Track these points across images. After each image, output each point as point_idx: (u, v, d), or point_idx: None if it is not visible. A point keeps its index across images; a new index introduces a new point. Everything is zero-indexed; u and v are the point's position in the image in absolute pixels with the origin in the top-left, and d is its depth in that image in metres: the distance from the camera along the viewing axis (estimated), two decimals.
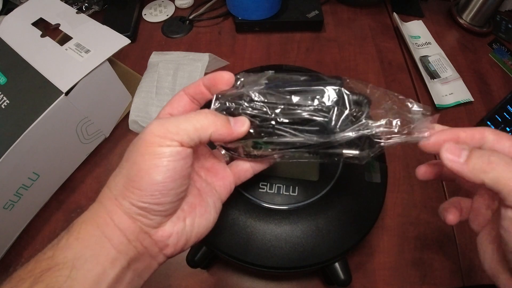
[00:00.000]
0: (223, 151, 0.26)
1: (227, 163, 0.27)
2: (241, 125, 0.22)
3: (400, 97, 0.22)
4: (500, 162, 0.18)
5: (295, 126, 0.22)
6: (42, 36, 0.42)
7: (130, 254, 0.20)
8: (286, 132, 0.22)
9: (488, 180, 0.18)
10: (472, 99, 0.54)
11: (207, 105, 0.24)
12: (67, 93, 0.38)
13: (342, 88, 0.22)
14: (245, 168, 0.26)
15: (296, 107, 0.22)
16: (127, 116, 0.49)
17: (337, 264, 0.32)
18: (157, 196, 0.20)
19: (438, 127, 0.22)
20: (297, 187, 0.33)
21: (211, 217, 0.24)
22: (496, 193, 0.19)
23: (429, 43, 0.61)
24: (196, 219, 0.23)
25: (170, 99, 0.24)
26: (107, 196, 0.21)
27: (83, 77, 0.39)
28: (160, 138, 0.20)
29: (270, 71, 0.24)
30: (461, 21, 0.63)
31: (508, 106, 0.52)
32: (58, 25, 0.43)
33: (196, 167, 0.25)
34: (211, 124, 0.21)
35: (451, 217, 0.25)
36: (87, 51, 0.41)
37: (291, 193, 0.33)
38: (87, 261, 0.19)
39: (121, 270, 0.20)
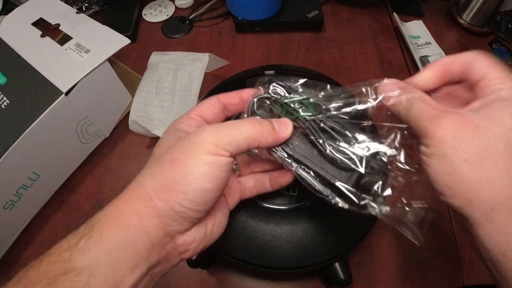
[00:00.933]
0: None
1: (238, 175, 0.28)
2: (285, 129, 0.22)
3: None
4: (417, 103, 0.21)
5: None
6: (42, 36, 0.42)
7: (151, 260, 0.20)
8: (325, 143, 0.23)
9: (406, 118, 0.21)
10: None
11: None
12: (67, 93, 0.38)
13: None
14: (250, 187, 0.27)
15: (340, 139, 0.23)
16: (127, 116, 0.49)
17: (337, 264, 0.32)
18: (200, 203, 0.20)
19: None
20: (297, 187, 0.33)
21: (224, 225, 0.24)
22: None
23: (429, 43, 0.61)
24: (214, 226, 0.23)
25: (202, 102, 0.24)
26: (140, 195, 0.20)
27: (83, 77, 0.39)
28: (214, 146, 0.20)
29: (302, 79, 0.24)
30: (461, 21, 0.63)
31: None
32: (58, 25, 0.43)
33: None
34: (259, 134, 0.21)
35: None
36: (87, 51, 0.41)
37: (291, 193, 0.33)
38: (106, 267, 0.18)
39: (140, 276, 0.19)
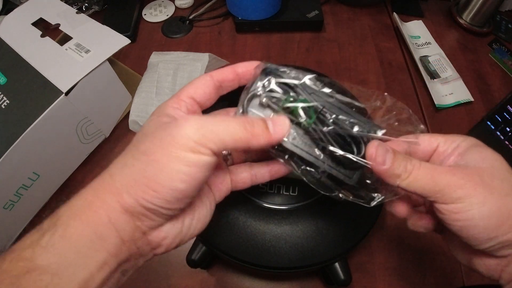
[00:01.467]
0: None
1: (230, 163, 0.26)
2: (281, 130, 0.20)
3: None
4: (416, 166, 0.21)
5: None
6: (42, 36, 0.42)
7: (121, 256, 0.18)
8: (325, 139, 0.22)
9: (404, 185, 0.21)
10: (472, 99, 0.54)
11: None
12: (67, 93, 0.38)
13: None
14: (244, 178, 0.25)
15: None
16: (127, 116, 0.49)
17: (337, 264, 0.32)
18: (172, 202, 0.18)
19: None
20: (297, 187, 0.33)
21: (207, 219, 0.23)
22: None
23: (429, 43, 0.61)
24: (193, 221, 0.22)
25: (194, 81, 0.22)
26: (109, 188, 0.18)
27: (83, 77, 0.39)
28: (195, 143, 0.18)
29: (310, 74, 0.23)
30: (461, 21, 0.63)
31: (508, 106, 0.52)
32: (58, 25, 0.43)
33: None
34: (249, 135, 0.19)
35: (400, 209, 0.25)
36: (87, 51, 0.41)
37: (291, 193, 0.33)
38: (71, 266, 0.17)
39: (109, 273, 0.18)
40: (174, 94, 0.22)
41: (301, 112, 0.21)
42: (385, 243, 0.41)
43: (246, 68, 0.23)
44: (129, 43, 0.43)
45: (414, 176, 0.20)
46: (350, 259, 0.37)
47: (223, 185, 0.24)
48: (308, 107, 0.21)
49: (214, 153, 0.18)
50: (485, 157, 0.21)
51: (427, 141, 0.24)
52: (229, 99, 0.35)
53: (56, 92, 0.37)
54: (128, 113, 0.48)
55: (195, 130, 0.18)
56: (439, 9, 0.67)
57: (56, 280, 0.16)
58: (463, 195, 0.19)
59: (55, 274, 0.16)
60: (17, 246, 0.17)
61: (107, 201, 0.18)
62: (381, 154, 0.21)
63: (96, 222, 0.18)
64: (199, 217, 0.22)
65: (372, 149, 0.21)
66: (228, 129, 0.19)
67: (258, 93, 0.22)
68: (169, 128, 0.18)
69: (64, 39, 0.42)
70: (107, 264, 0.18)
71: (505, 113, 0.51)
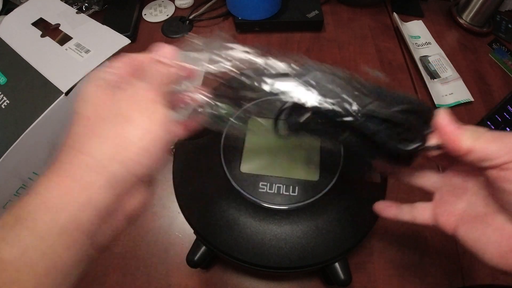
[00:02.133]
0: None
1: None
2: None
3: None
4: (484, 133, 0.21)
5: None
6: (42, 36, 0.42)
7: (94, 231, 0.18)
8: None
9: (479, 146, 0.20)
10: (472, 99, 0.54)
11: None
12: (67, 93, 0.38)
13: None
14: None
15: None
16: None
17: (337, 264, 0.32)
18: (154, 153, 0.19)
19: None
20: (297, 187, 0.33)
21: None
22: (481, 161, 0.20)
23: (429, 43, 0.61)
24: None
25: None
26: (89, 167, 0.18)
27: (83, 77, 0.39)
28: (154, 95, 0.20)
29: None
30: (461, 21, 0.63)
31: (508, 106, 0.52)
32: (58, 25, 0.43)
33: None
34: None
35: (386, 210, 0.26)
36: (87, 51, 0.41)
37: (291, 193, 0.33)
38: (36, 252, 0.16)
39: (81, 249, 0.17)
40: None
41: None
42: (385, 243, 0.41)
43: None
44: (129, 43, 0.43)
45: (484, 139, 0.20)
46: (350, 259, 0.37)
47: None
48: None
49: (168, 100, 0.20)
50: None
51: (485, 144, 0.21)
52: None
53: (56, 92, 0.37)
54: None
55: (149, 87, 0.20)
56: (439, 9, 0.67)
57: (22, 275, 0.15)
58: None
59: (19, 269, 0.15)
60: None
61: (88, 181, 0.17)
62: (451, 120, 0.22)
63: (70, 207, 0.17)
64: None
65: (443, 114, 0.22)
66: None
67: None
68: (131, 91, 0.20)
69: (64, 39, 0.42)
70: (78, 241, 0.17)
71: (505, 113, 0.51)
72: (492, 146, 0.20)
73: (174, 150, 0.41)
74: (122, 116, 0.19)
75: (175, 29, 0.63)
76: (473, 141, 0.21)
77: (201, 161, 0.37)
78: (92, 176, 0.17)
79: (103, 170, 0.18)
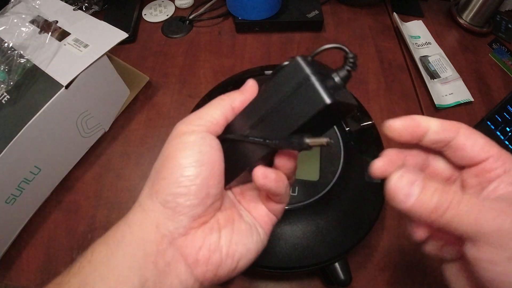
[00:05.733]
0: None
1: None
2: (251, 86, 0.20)
3: None
4: (457, 199, 0.16)
5: None
6: (40, 32, 0.42)
7: (145, 272, 0.17)
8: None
9: (444, 222, 0.16)
10: (472, 99, 0.54)
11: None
12: (67, 87, 0.38)
13: None
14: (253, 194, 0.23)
15: None
16: (126, 110, 0.50)
17: (337, 264, 0.32)
18: (184, 183, 0.18)
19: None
20: (297, 187, 0.33)
21: (254, 238, 0.20)
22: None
23: (429, 43, 0.61)
24: (234, 235, 0.19)
25: (214, 104, 0.21)
26: (134, 210, 0.20)
27: (83, 71, 0.39)
28: (186, 125, 0.19)
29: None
30: (461, 21, 0.63)
31: (508, 106, 0.52)
32: (56, 21, 0.44)
33: (236, 193, 0.23)
34: (228, 100, 0.20)
35: (420, 233, 0.21)
36: (86, 46, 0.41)
37: (291, 193, 0.33)
38: (94, 285, 0.17)
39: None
40: (193, 114, 0.21)
41: None
42: (385, 243, 0.41)
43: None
44: (129, 43, 0.43)
45: (450, 215, 0.16)
46: (350, 259, 0.37)
47: (263, 215, 0.22)
48: None
49: (205, 127, 0.19)
50: None
51: (478, 146, 0.18)
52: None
53: (56, 86, 0.38)
54: (127, 108, 0.49)
55: (183, 120, 0.20)
56: (439, 9, 0.67)
57: None
58: (508, 245, 0.15)
59: None
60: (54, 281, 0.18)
61: (130, 218, 0.19)
62: (404, 187, 0.17)
63: (117, 239, 0.18)
64: (240, 233, 0.20)
65: (392, 184, 0.17)
66: (210, 105, 0.20)
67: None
68: (172, 134, 0.20)
69: (62, 35, 0.43)
70: (128, 278, 0.17)
71: (505, 113, 0.51)
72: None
73: None
74: (158, 161, 0.20)
75: (175, 29, 0.63)
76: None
77: None
78: (134, 216, 0.20)
79: (139, 208, 0.20)
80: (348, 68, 0.18)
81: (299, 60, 0.17)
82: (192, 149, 0.18)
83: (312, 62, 0.17)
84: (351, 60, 0.18)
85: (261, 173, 0.18)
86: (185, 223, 0.18)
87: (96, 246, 0.18)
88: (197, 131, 0.19)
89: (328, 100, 0.16)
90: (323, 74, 0.17)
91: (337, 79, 0.18)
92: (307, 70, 0.17)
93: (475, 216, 0.16)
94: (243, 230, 0.20)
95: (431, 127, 0.19)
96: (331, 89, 0.16)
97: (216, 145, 0.19)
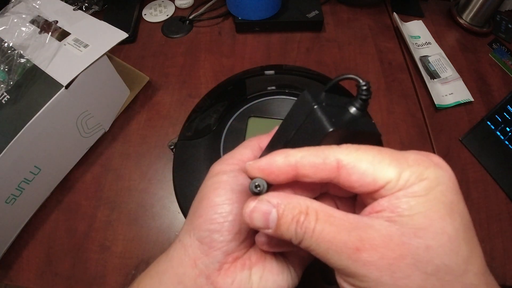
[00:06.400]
0: None
1: None
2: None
3: None
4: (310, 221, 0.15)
5: None
6: (40, 32, 0.42)
7: None
8: None
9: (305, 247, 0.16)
10: (472, 99, 0.54)
11: None
12: (67, 87, 0.38)
13: None
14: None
15: None
16: (126, 110, 0.50)
17: None
18: (217, 220, 0.19)
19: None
20: None
21: (285, 277, 0.21)
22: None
23: (429, 43, 0.61)
24: (265, 273, 0.20)
25: (246, 145, 0.23)
26: (174, 244, 0.21)
27: (83, 71, 0.39)
28: (219, 165, 0.21)
29: None
30: (461, 21, 0.63)
31: (508, 106, 0.52)
32: (56, 21, 0.44)
33: None
34: (256, 140, 0.22)
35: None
36: (86, 46, 0.41)
37: None
38: None
39: None
40: (226, 155, 0.23)
41: None
42: None
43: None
44: (129, 43, 0.43)
45: (309, 241, 0.15)
46: None
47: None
48: None
49: (237, 165, 0.21)
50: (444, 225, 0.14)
51: (368, 178, 0.15)
52: (229, 99, 0.35)
53: (56, 86, 0.38)
54: (127, 108, 0.49)
55: (217, 161, 0.22)
56: (439, 9, 0.67)
57: None
58: (371, 277, 0.14)
59: None
60: None
61: (170, 253, 0.20)
62: (260, 219, 0.16)
63: (159, 273, 0.20)
64: (271, 271, 0.20)
65: (247, 209, 0.17)
66: (242, 146, 0.22)
67: None
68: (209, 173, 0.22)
69: (62, 35, 0.43)
70: None
71: (505, 113, 0.51)
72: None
73: (174, 149, 0.41)
74: (195, 200, 0.22)
75: (175, 29, 0.63)
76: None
77: (201, 161, 0.37)
78: (174, 252, 0.21)
79: (179, 244, 0.20)
80: (363, 97, 0.19)
81: (305, 93, 0.18)
82: (224, 188, 0.20)
83: (321, 94, 0.19)
84: (364, 88, 0.19)
85: None
86: (220, 258, 0.19)
87: (141, 279, 0.20)
88: (229, 170, 0.21)
89: (329, 128, 0.17)
90: (333, 105, 0.18)
91: (353, 110, 0.19)
92: (312, 102, 0.18)
93: (331, 238, 0.15)
94: (274, 268, 0.20)
95: (299, 170, 0.16)
96: (335, 117, 0.17)
97: (243, 182, 0.20)
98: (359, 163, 0.15)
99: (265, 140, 0.22)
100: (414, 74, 0.57)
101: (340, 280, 0.16)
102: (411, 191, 0.14)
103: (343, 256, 0.14)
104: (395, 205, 0.14)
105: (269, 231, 0.16)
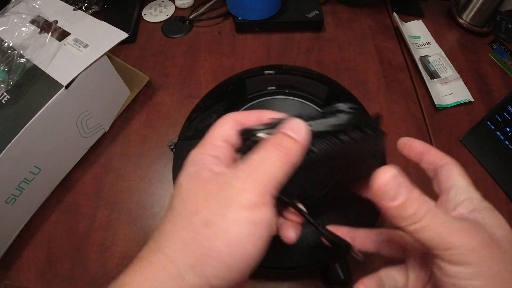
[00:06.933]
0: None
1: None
2: (300, 129, 0.18)
3: None
4: (434, 214, 0.17)
5: None
6: (40, 32, 0.42)
7: None
8: None
9: (414, 230, 0.17)
10: (472, 99, 0.54)
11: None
12: (67, 87, 0.38)
13: None
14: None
15: None
16: (126, 110, 0.50)
17: (337, 264, 0.32)
18: (244, 271, 0.16)
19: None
20: None
21: None
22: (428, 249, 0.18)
23: (429, 43, 0.61)
24: None
25: (220, 124, 0.21)
26: (167, 273, 0.16)
27: (83, 71, 0.39)
28: (255, 195, 0.16)
29: None
30: (461, 21, 0.63)
31: (508, 106, 0.52)
32: (56, 21, 0.44)
33: None
34: (286, 155, 0.18)
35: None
36: (86, 46, 0.41)
37: None
38: None
39: None
40: (204, 139, 0.20)
41: None
42: None
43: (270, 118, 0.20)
44: (129, 43, 0.43)
45: (424, 224, 0.17)
46: (350, 259, 0.37)
47: None
48: None
49: (273, 197, 0.17)
50: (501, 225, 0.19)
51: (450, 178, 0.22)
52: (229, 99, 0.35)
53: (56, 86, 0.38)
54: (127, 108, 0.49)
55: (248, 181, 0.17)
56: (439, 9, 0.67)
57: None
58: (475, 261, 0.16)
59: None
60: None
61: None
62: (393, 187, 0.17)
63: None
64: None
65: (383, 179, 0.17)
66: (272, 160, 0.17)
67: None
68: (222, 189, 0.17)
69: (62, 35, 0.43)
70: None
71: (505, 113, 0.51)
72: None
73: (174, 149, 0.41)
74: (206, 222, 0.16)
75: (175, 29, 0.63)
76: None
77: None
78: (169, 285, 0.16)
79: (180, 281, 0.16)
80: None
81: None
82: (262, 236, 0.18)
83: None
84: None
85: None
86: None
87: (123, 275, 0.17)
88: (269, 206, 0.18)
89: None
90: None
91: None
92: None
93: (447, 230, 0.17)
94: None
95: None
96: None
97: (275, 221, 0.19)
98: None
99: (239, 115, 0.20)
100: (414, 74, 0.57)
101: (438, 269, 0.18)
102: None
103: (451, 240, 0.17)
104: None
105: (395, 202, 0.17)
